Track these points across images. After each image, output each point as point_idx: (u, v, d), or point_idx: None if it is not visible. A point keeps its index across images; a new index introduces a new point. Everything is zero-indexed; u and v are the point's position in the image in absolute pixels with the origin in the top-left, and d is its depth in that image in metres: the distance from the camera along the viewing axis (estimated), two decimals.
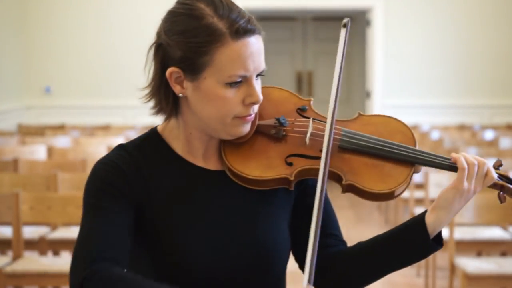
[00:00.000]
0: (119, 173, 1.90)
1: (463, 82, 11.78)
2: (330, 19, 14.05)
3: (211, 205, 1.94)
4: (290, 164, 1.93)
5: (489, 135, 9.93)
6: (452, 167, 1.99)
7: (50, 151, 7.83)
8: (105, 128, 10.99)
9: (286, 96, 2.06)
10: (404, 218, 8.32)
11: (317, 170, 1.88)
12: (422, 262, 6.98)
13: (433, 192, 6.40)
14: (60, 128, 10.86)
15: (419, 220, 1.96)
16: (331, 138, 1.89)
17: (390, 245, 1.99)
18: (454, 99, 11.80)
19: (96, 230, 1.84)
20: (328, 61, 14.11)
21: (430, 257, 6.46)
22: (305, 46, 14.18)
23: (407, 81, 11.84)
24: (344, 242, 2.09)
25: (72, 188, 5.80)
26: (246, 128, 1.92)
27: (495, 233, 6.25)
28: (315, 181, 1.91)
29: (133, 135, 9.73)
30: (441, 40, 11.76)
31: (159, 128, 2.02)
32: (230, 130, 1.90)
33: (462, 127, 11.13)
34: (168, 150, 1.97)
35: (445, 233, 6.04)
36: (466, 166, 1.96)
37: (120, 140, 8.78)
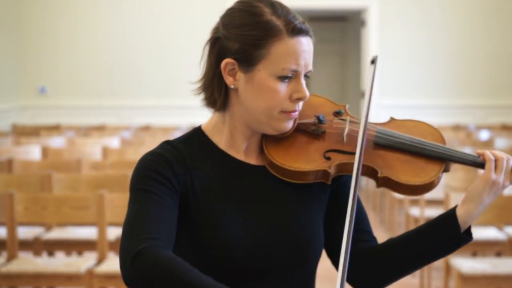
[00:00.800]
0: (166, 164, 1.99)
1: (457, 82, 11.80)
2: (326, 19, 14.08)
3: (251, 198, 2.04)
4: (328, 159, 2.03)
5: (484, 135, 9.94)
6: (480, 164, 2.07)
7: (45, 151, 7.83)
8: (100, 129, 10.98)
9: (322, 101, 2.17)
10: (399, 218, 8.33)
11: (353, 164, 1.98)
12: None
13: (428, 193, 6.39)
14: (55, 128, 10.85)
15: (451, 214, 2.05)
16: (366, 132, 1.98)
17: (423, 239, 2.07)
18: (449, 99, 11.81)
19: (147, 212, 1.93)
20: (323, 61, 14.15)
21: None
22: None
23: (402, 81, 11.85)
24: (375, 239, 2.17)
25: (67, 188, 5.80)
26: (289, 124, 2.03)
27: (490, 233, 6.26)
28: (349, 179, 2.01)
29: (128, 135, 9.73)
30: (436, 40, 11.78)
31: (203, 126, 2.12)
32: (275, 125, 2.01)
33: (457, 127, 11.15)
34: (211, 145, 2.07)
35: None
36: (492, 158, 2.03)
37: (115, 140, 8.78)
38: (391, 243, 2.11)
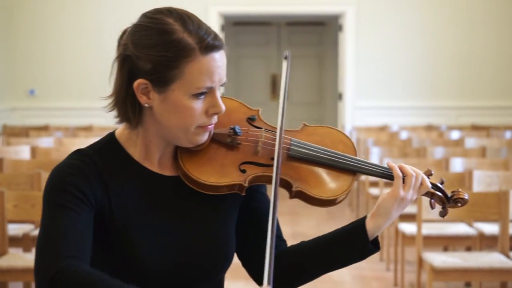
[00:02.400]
0: (82, 177, 1.90)
1: (430, 85, 11.84)
2: (304, 24, 14.09)
3: (165, 208, 1.97)
4: (243, 171, 1.96)
5: (455, 135, 9.98)
6: (389, 175, 2.05)
7: (34, 151, 7.80)
8: (87, 129, 10.95)
9: (236, 105, 2.09)
10: None
11: (268, 176, 1.95)
12: (391, 256, 7.03)
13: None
14: (44, 129, 10.82)
15: (360, 225, 2.02)
16: (281, 148, 1.93)
17: (332, 247, 2.05)
18: (422, 101, 11.85)
19: (63, 229, 1.81)
20: (302, 64, 14.16)
21: (399, 252, 6.50)
22: (279, 50, 14.19)
23: (377, 84, 11.88)
24: (285, 241, 2.14)
25: None
26: (206, 136, 1.96)
27: (460, 229, 6.29)
28: (260, 186, 2.02)
29: None
30: (410, 45, 11.82)
31: (117, 134, 2.02)
32: (192, 139, 1.93)
33: (429, 128, 11.19)
34: (126, 156, 1.97)
35: (413, 229, 6.07)
36: (401, 175, 2.02)
37: None
38: (302, 247, 2.09)
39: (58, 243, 1.79)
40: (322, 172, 2.03)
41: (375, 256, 7.67)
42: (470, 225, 6.39)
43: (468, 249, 6.58)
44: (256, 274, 2.09)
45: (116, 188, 1.93)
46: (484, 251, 5.88)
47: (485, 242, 6.26)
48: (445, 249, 7.01)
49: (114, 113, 1.96)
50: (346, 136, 2.12)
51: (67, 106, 11.87)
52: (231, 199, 2.04)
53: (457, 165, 7.22)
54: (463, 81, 11.81)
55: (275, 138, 1.97)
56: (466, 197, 2.14)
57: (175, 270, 1.94)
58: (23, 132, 10.19)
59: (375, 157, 7.96)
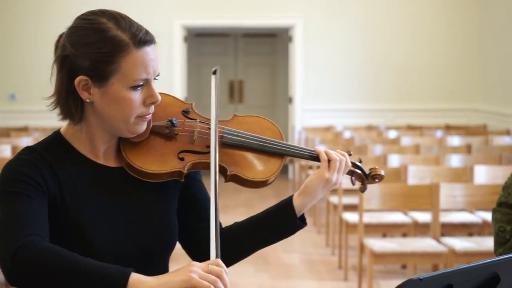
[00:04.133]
0: (34, 168, 1.87)
1: (370, 89, 11.92)
2: (258, 36, 14.10)
3: (112, 197, 1.94)
4: (182, 159, 1.96)
5: (392, 134, 10.05)
6: (315, 157, 2.06)
7: (15, 150, 7.72)
8: None
9: (171, 100, 2.07)
10: (320, 205, 8.40)
11: (205, 163, 1.95)
12: (336, 242, 7.07)
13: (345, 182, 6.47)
14: (24, 130, 10.69)
15: (288, 203, 2.03)
16: (217, 135, 1.92)
17: (264, 225, 2.06)
18: (363, 104, 11.92)
19: (20, 211, 1.78)
20: (256, 72, 14.18)
21: (343, 238, 6.54)
22: (236, 58, 14.19)
23: (323, 89, 11.93)
24: (220, 224, 2.07)
25: None
26: (144, 126, 1.93)
27: (397, 217, 6.35)
28: (197, 174, 2.03)
29: None
30: (352, 53, 11.88)
31: (62, 131, 1.99)
32: (132, 129, 1.90)
33: (370, 128, 11.26)
34: (73, 151, 1.95)
35: (355, 218, 6.11)
36: (326, 158, 2.03)
37: None
38: (236, 227, 2.09)
39: (17, 224, 1.76)
40: (253, 157, 2.02)
41: (321, 242, 7.71)
42: (406, 214, 6.45)
43: (404, 235, 6.63)
44: (195, 255, 2.07)
45: (66, 179, 1.90)
46: (418, 237, 5.93)
47: (419, 229, 6.33)
48: (384, 235, 7.06)
49: (57, 111, 1.94)
50: (273, 124, 2.12)
51: (45, 109, 11.71)
52: (171, 186, 2.02)
53: (394, 161, 7.28)
54: (400, 86, 11.90)
55: (209, 128, 1.97)
56: (383, 173, 2.15)
57: (123, 252, 1.91)
58: (4, 133, 10.07)
59: None
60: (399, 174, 6.47)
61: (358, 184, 2.16)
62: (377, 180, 2.14)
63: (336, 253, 7.03)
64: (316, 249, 7.47)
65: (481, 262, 1.50)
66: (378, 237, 6.63)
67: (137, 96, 1.87)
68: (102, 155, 1.96)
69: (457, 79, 11.93)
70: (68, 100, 1.89)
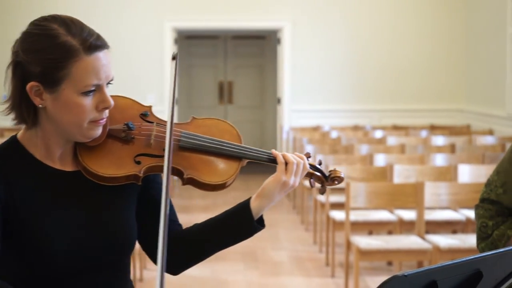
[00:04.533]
0: None
1: (357, 90, 11.93)
2: (247, 38, 14.10)
3: (69, 201, 1.90)
4: (138, 163, 1.92)
5: (378, 134, 10.07)
6: (272, 160, 2.02)
7: None
8: None
9: (129, 103, 2.02)
10: (308, 203, 8.40)
11: (161, 166, 1.87)
12: (323, 239, 7.07)
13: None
14: (17, 130, 10.66)
15: (245, 206, 2.00)
16: (172, 140, 1.85)
17: (221, 227, 2.02)
18: (350, 104, 11.94)
19: None
20: (245, 73, 14.17)
21: (330, 236, 6.54)
22: (226, 60, 14.18)
23: (311, 90, 11.93)
24: (181, 225, 2.10)
25: None
26: (99, 130, 1.89)
27: (383, 215, 6.36)
28: (156, 176, 1.98)
29: None
30: (339, 55, 11.89)
31: (18, 136, 1.94)
32: (86, 133, 1.87)
33: (356, 128, 11.28)
34: (29, 156, 1.90)
35: (342, 216, 6.12)
36: (283, 161, 1.99)
37: None
38: (195, 229, 2.06)
39: None
40: (211, 160, 1.98)
41: (309, 240, 7.71)
42: (391, 212, 6.47)
43: (390, 232, 6.65)
44: (154, 257, 2.00)
45: (21, 187, 1.86)
46: (403, 234, 5.94)
47: (404, 227, 6.34)
48: (370, 233, 7.07)
49: (12, 115, 1.89)
50: (232, 126, 2.08)
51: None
52: (129, 189, 1.98)
53: (380, 160, 7.30)
54: (386, 87, 11.92)
55: (166, 131, 1.90)
56: (342, 175, 2.10)
57: (81, 256, 1.87)
58: None
59: None
60: (385, 173, 6.49)
61: (317, 186, 2.12)
62: (336, 182, 2.09)
63: (324, 250, 7.03)
64: (303, 247, 7.47)
65: (464, 259, 1.50)
66: (364, 235, 6.64)
67: (88, 101, 1.83)
68: (58, 159, 1.92)
69: (442, 80, 11.96)
70: (21, 105, 1.85)
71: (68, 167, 1.93)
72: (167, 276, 1.83)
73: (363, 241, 5.46)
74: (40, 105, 1.83)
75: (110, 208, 1.94)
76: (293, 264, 6.87)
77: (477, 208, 2.75)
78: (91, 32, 1.84)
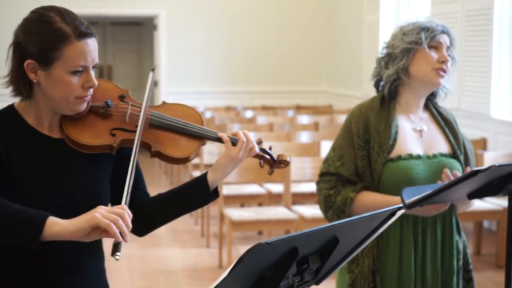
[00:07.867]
0: None
1: (229, 73, 11.98)
2: (125, 24, 13.93)
3: (53, 163, 2.07)
4: (113, 135, 2.09)
5: (249, 114, 10.16)
6: (219, 139, 2.20)
7: None
8: None
9: (111, 86, 2.19)
10: (184, 179, 8.39)
11: (133, 140, 2.07)
12: (199, 212, 7.09)
13: (207, 158, 6.49)
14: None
15: (203, 178, 2.18)
16: (144, 118, 2.09)
17: (182, 196, 2.20)
18: (222, 86, 11.98)
19: None
20: (124, 58, 14.03)
21: (205, 209, 6.56)
22: (105, 45, 13.95)
23: (186, 73, 11.90)
24: (148, 194, 2.27)
25: None
26: (84, 106, 2.06)
27: (253, 189, 6.43)
28: (129, 149, 2.11)
29: None
30: (212, 40, 11.90)
31: (15, 105, 2.12)
32: (72, 107, 2.04)
33: (228, 108, 11.33)
34: (23, 122, 2.08)
35: None
36: (228, 139, 2.18)
37: None
38: (158, 198, 2.22)
39: None
40: (176, 137, 2.15)
41: None
42: (261, 185, 6.54)
43: (260, 205, 6.73)
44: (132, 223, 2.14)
45: (15, 144, 2.03)
46: (272, 206, 6.03)
47: (273, 199, 6.44)
48: (242, 205, 7.13)
49: (10, 88, 2.06)
50: (196, 111, 2.25)
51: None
52: (106, 159, 2.15)
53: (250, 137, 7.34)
54: (255, 71, 12.03)
55: (139, 111, 2.11)
56: (288, 160, 2.28)
57: (57, 213, 1.95)
58: None
59: None
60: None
61: (267, 168, 2.28)
62: (282, 165, 2.27)
63: (199, 223, 7.05)
64: (180, 219, 7.41)
65: (321, 226, 1.53)
66: (236, 207, 6.69)
67: (76, 80, 2.00)
68: (47, 127, 2.09)
69: (306, 64, 12.18)
70: (19, 80, 2.03)
71: (55, 135, 2.10)
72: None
73: (235, 213, 5.50)
74: (34, 80, 2.01)
75: (88, 173, 2.11)
76: (171, 236, 6.86)
77: (318, 183, 2.85)
78: (82, 22, 2.02)
